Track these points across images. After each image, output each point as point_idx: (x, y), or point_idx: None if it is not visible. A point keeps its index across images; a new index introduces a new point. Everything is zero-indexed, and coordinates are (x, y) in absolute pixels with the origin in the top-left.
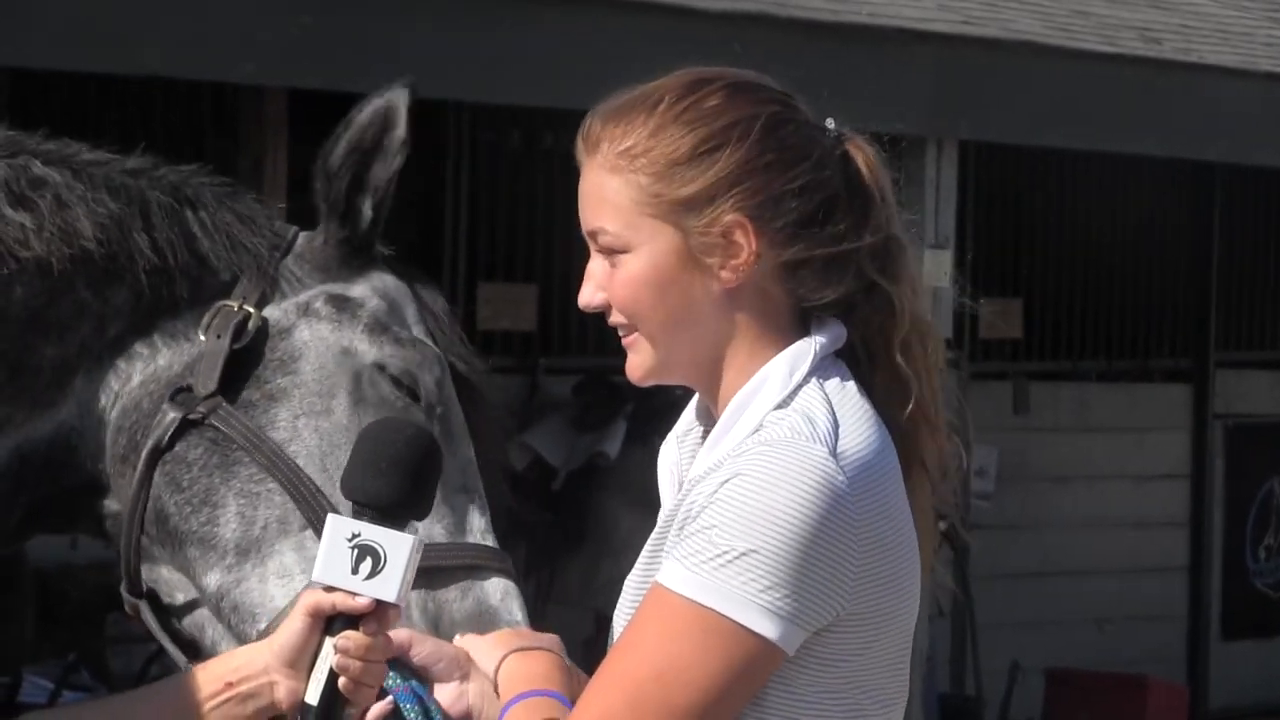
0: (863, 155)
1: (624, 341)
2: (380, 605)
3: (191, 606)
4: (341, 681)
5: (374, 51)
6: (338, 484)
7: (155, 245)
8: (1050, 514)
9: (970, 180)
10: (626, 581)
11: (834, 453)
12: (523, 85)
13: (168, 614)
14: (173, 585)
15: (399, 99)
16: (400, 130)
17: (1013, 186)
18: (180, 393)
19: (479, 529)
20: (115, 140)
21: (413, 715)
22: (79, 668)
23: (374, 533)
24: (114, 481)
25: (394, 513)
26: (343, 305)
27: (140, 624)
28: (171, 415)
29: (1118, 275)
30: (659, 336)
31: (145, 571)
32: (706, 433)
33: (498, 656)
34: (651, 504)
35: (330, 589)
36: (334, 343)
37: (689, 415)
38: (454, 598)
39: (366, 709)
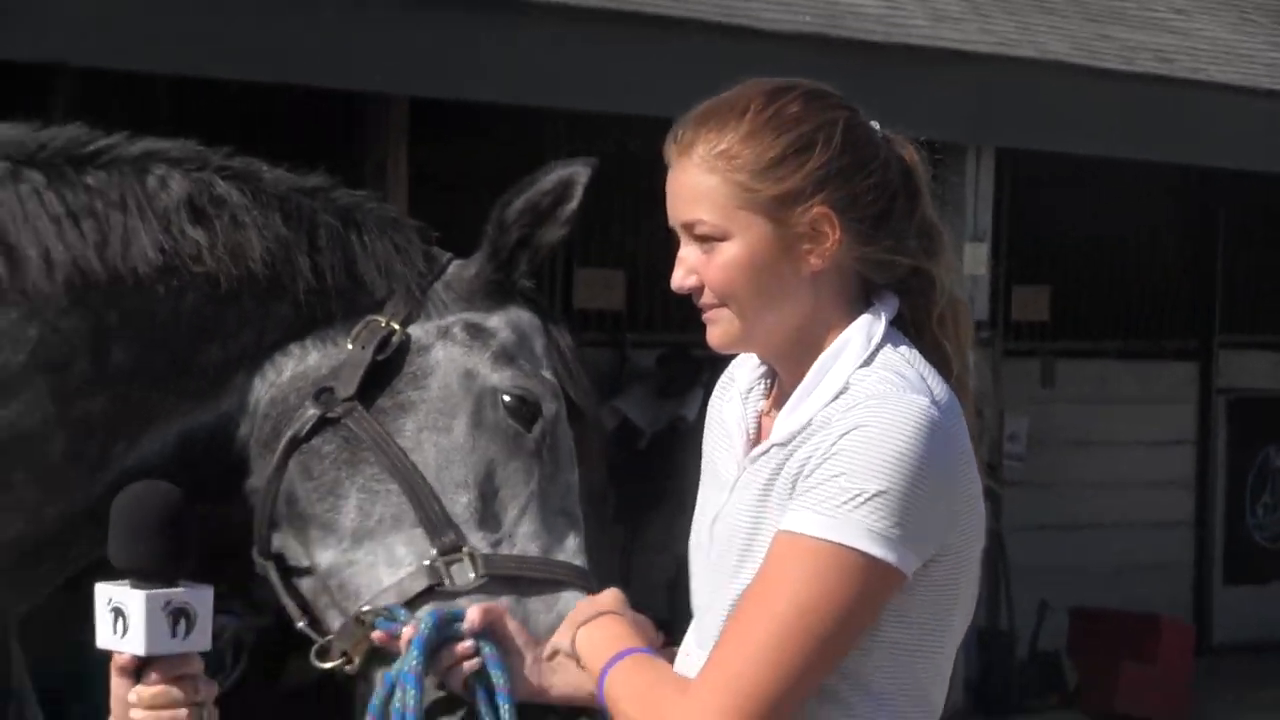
0: (909, 154)
1: (707, 316)
2: (182, 656)
3: (308, 573)
4: None
5: (489, 62)
6: (446, 499)
7: (317, 269)
8: (1073, 474)
9: (1005, 182)
10: (703, 518)
11: (933, 400)
12: (613, 96)
13: (290, 575)
14: (296, 554)
15: (580, 175)
16: (574, 204)
17: (1042, 188)
18: (323, 392)
19: (571, 549)
20: (235, 143)
21: (497, 676)
22: (228, 595)
23: (124, 595)
24: (254, 462)
25: (169, 572)
26: (477, 333)
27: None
28: (312, 411)
29: (1133, 266)
30: (749, 313)
31: (274, 540)
32: (768, 392)
33: (570, 632)
34: None
35: (145, 660)
36: (462, 366)
37: (747, 376)
38: (540, 609)
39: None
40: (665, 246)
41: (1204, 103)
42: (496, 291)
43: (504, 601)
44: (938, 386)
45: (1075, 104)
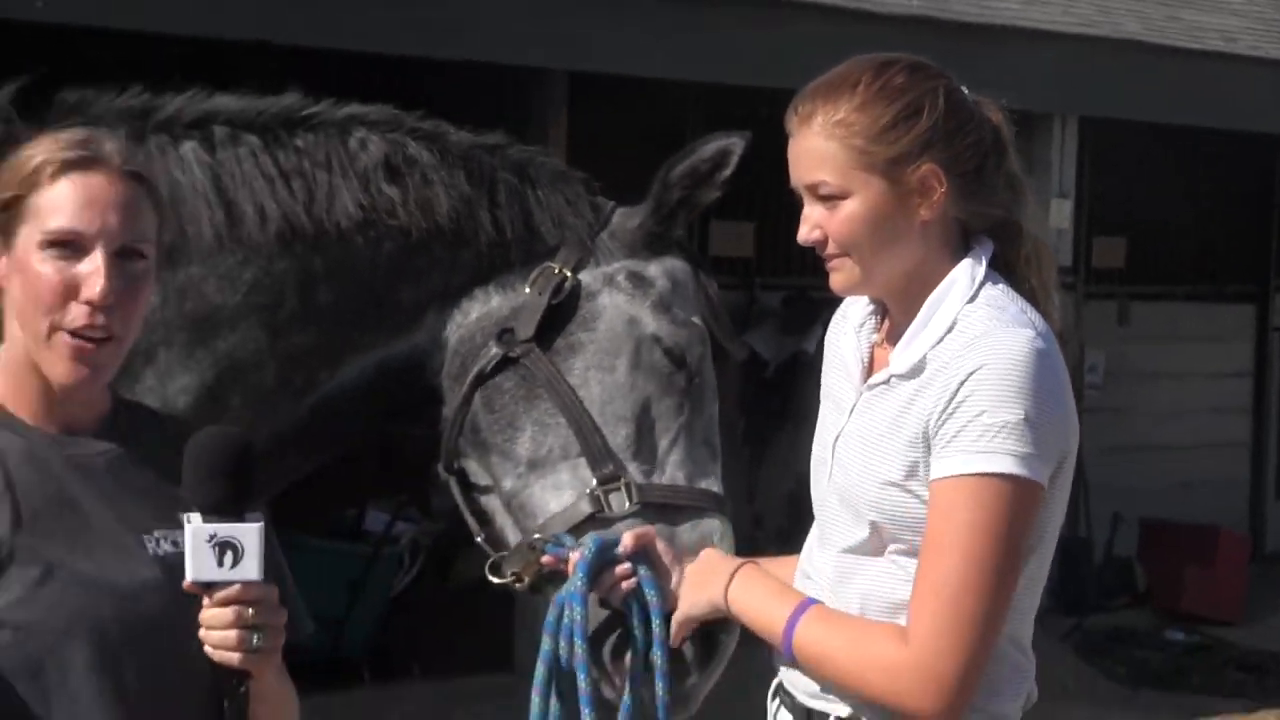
0: (996, 115)
1: (831, 265)
2: (234, 583)
3: (486, 491)
4: (210, 650)
5: (640, 40)
6: (607, 426)
7: (497, 222)
8: (1145, 402)
9: (1087, 146)
10: (825, 438)
11: (1036, 333)
12: (746, 70)
13: (471, 490)
14: (478, 475)
15: (736, 146)
16: (728, 171)
17: (1119, 151)
18: (505, 333)
19: (712, 477)
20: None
21: (650, 595)
22: (408, 504)
23: (189, 527)
24: (446, 394)
25: (234, 509)
26: (639, 282)
27: (449, 494)
28: (495, 351)
29: (1199, 220)
30: (868, 261)
31: (459, 461)
32: (879, 326)
33: (723, 578)
34: None
35: (206, 584)
36: (626, 312)
37: (859, 313)
38: (685, 530)
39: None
40: (789, 203)
41: (1263, 76)
42: (655, 242)
43: (655, 527)
44: (1036, 317)
45: (1148, 78)
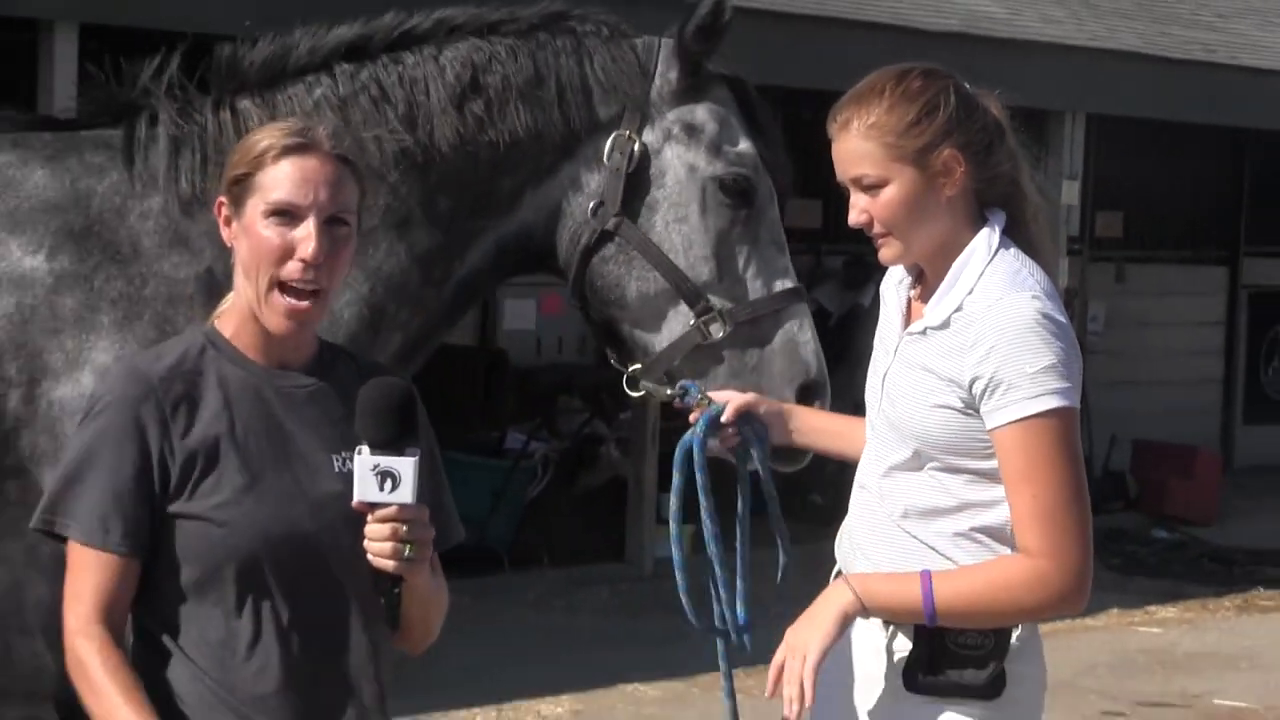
0: (995, 104)
1: (878, 242)
2: (390, 505)
3: (610, 324)
4: (370, 558)
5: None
6: (693, 274)
7: (568, 122)
8: (1136, 346)
9: (1093, 138)
10: (875, 375)
11: (1038, 292)
12: (808, 75)
13: (601, 329)
14: (603, 319)
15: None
16: (726, 17)
17: (1119, 142)
18: (600, 208)
19: (784, 271)
20: None
21: (756, 453)
22: (540, 427)
23: (357, 457)
24: (562, 257)
25: (395, 445)
26: (691, 130)
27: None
28: (593, 226)
29: (1183, 198)
30: (908, 236)
31: (589, 312)
32: (915, 284)
33: (842, 598)
34: None
35: (370, 504)
36: (686, 161)
37: (898, 273)
38: (776, 342)
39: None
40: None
41: (1237, 81)
42: (695, 87)
43: (752, 357)
44: (1038, 275)
45: (1144, 82)
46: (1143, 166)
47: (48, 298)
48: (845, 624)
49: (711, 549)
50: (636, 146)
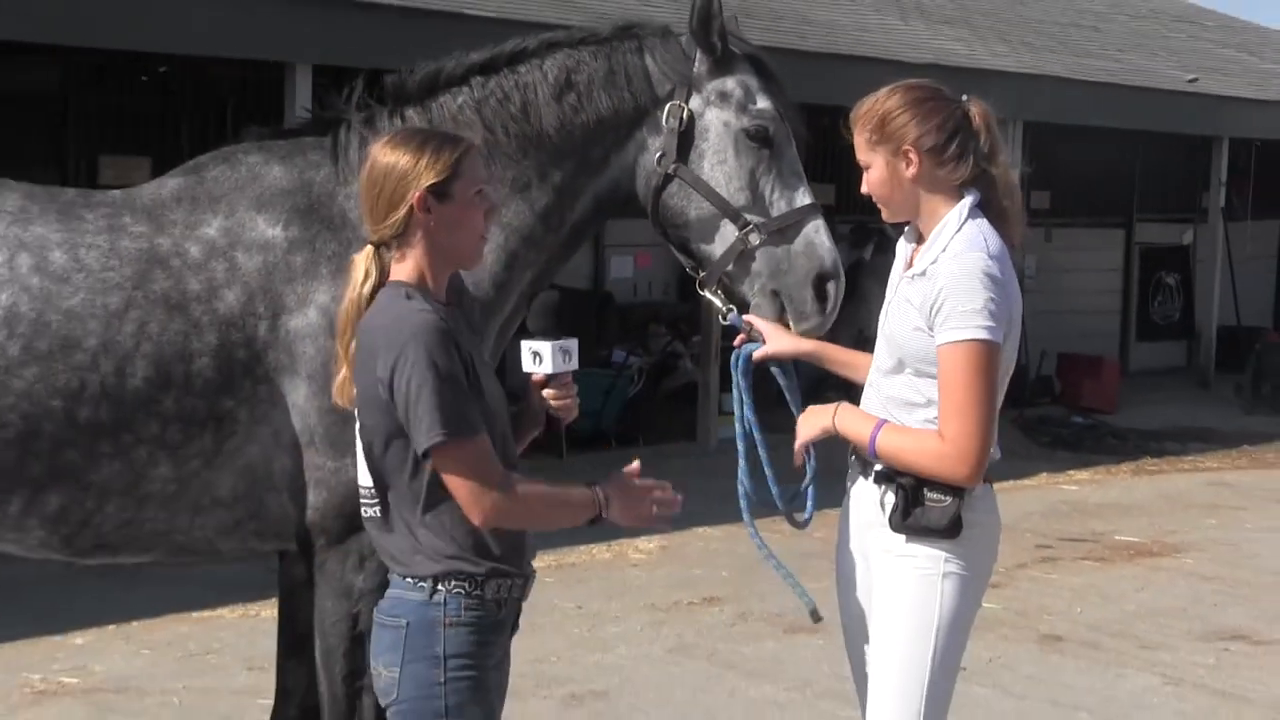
0: (977, 108)
1: (880, 205)
2: (566, 372)
3: (686, 247)
4: (550, 409)
5: None
6: (733, 200)
7: (636, 101)
8: (1058, 286)
9: (1028, 137)
10: (883, 310)
11: (988, 252)
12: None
13: (677, 245)
14: (680, 242)
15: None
16: (716, 7)
17: (1046, 138)
18: (662, 158)
19: (803, 192)
20: None
21: (783, 382)
22: (636, 350)
23: (544, 345)
24: (642, 201)
25: (549, 335)
26: (724, 97)
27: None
28: (659, 171)
29: (1091, 179)
30: (888, 202)
31: (668, 235)
32: (917, 241)
33: (829, 415)
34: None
35: (552, 375)
36: (721, 120)
37: (910, 232)
38: (797, 244)
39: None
40: (853, 170)
41: (1130, 97)
42: (722, 65)
43: (781, 257)
44: (994, 241)
45: (1066, 98)
46: (1064, 158)
47: (284, 256)
48: (826, 431)
49: (740, 433)
50: (685, 112)
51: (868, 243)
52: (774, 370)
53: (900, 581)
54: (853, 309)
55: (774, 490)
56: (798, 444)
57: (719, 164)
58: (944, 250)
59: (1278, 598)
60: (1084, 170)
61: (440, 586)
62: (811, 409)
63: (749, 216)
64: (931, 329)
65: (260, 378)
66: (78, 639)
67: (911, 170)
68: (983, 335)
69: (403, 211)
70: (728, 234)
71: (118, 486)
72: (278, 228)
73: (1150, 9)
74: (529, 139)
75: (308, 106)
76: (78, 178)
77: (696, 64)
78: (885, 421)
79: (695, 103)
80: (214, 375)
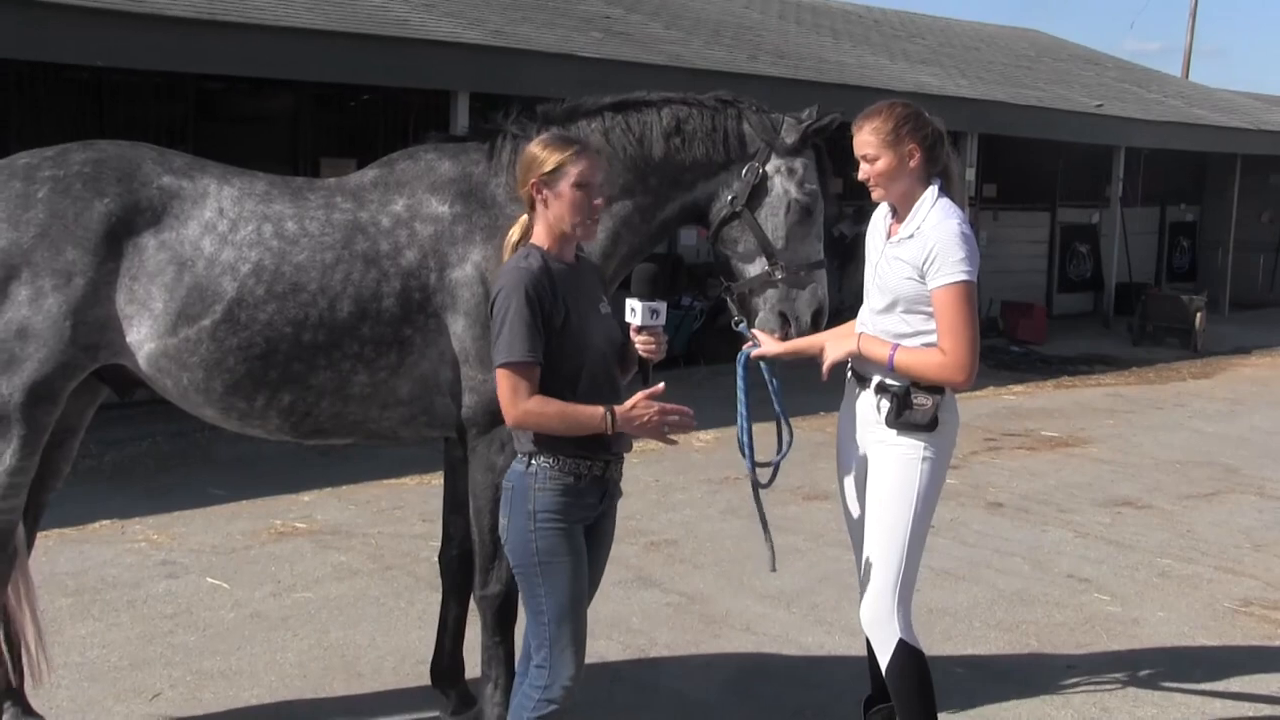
0: (939, 121)
1: (872, 190)
2: (642, 327)
3: (728, 262)
4: (640, 356)
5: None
6: (773, 243)
7: (728, 149)
8: (1004, 252)
9: (982, 144)
10: (870, 268)
11: (961, 220)
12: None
13: (724, 261)
14: (728, 261)
15: (839, 117)
16: (834, 125)
17: (996, 144)
18: (733, 199)
19: (818, 250)
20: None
21: (768, 376)
22: (698, 296)
23: (637, 304)
24: (712, 224)
25: (646, 297)
26: (790, 172)
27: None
28: (730, 209)
29: (1028, 174)
30: (887, 187)
31: (720, 255)
32: (894, 215)
33: (853, 341)
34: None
35: (643, 327)
36: (783, 187)
37: (885, 209)
38: (804, 282)
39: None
40: (854, 165)
41: (1054, 117)
42: (799, 148)
43: (792, 291)
44: (961, 212)
45: (1010, 116)
46: (1006, 161)
47: (449, 227)
48: (851, 353)
49: (742, 409)
50: (760, 172)
51: (865, 221)
52: (763, 366)
53: (890, 463)
54: (855, 269)
55: (747, 458)
56: (827, 364)
57: (771, 216)
58: (925, 219)
59: (1155, 476)
60: (1021, 170)
61: (533, 461)
62: (835, 338)
63: (779, 258)
64: (923, 277)
65: (430, 313)
66: (305, 497)
67: (913, 163)
68: (966, 277)
69: (525, 190)
70: (760, 264)
71: (330, 389)
72: (445, 205)
73: (1068, 54)
74: (639, 160)
75: (466, 123)
76: (304, 173)
77: (779, 138)
78: (899, 345)
79: (769, 167)
80: (398, 310)
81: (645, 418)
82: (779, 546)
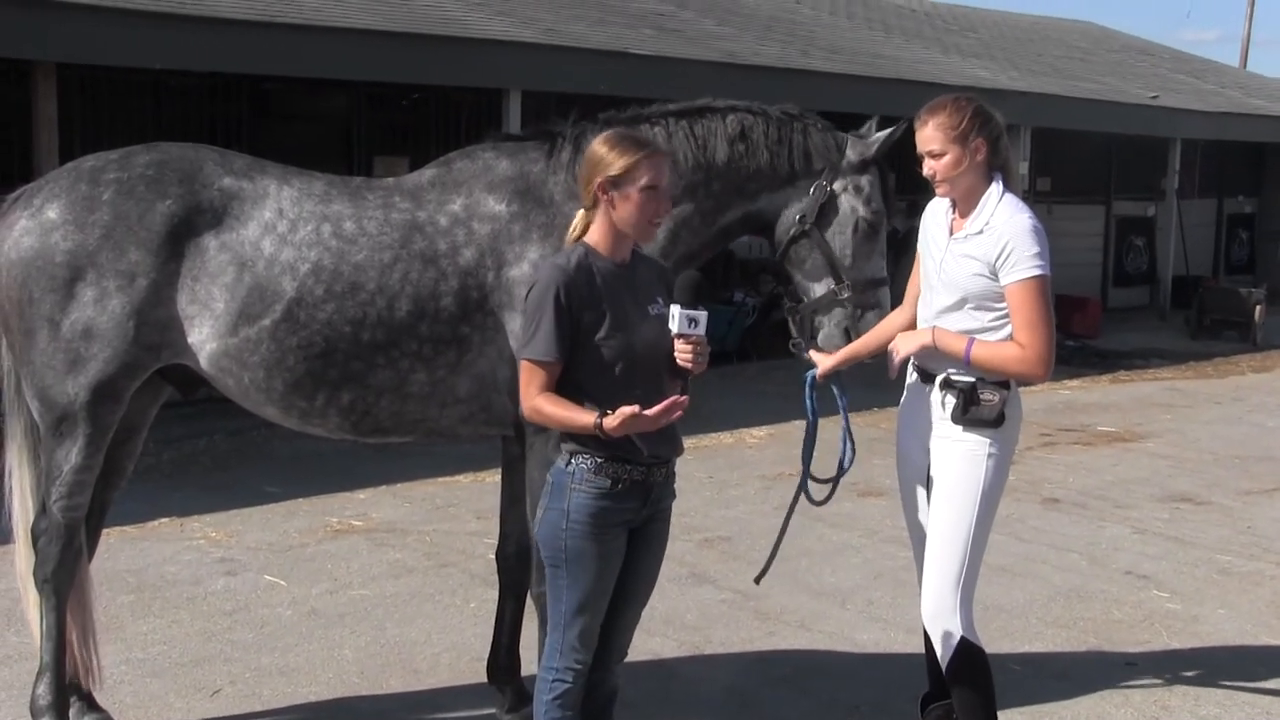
0: (1000, 116)
1: (937, 185)
2: (679, 334)
3: (790, 280)
4: (679, 365)
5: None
6: (840, 262)
7: (793, 162)
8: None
9: (1035, 138)
10: (931, 262)
11: (1030, 214)
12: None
13: (785, 277)
14: (792, 277)
15: (902, 127)
16: (897, 135)
17: (1049, 138)
18: (802, 217)
19: (881, 268)
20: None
21: (839, 398)
22: (751, 292)
23: (675, 310)
24: (777, 238)
25: (687, 305)
26: (857, 189)
27: (769, 286)
28: (799, 226)
29: (1083, 167)
30: (954, 182)
31: (787, 270)
32: (953, 211)
33: (927, 334)
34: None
35: (681, 335)
36: (850, 205)
37: (943, 205)
38: (869, 301)
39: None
40: (911, 160)
41: (1109, 109)
42: (866, 166)
43: (857, 311)
44: (1029, 207)
45: (1060, 110)
46: (1061, 155)
47: (507, 226)
48: (924, 346)
49: (810, 423)
50: (827, 190)
51: (916, 216)
52: (833, 386)
53: (955, 460)
54: (908, 261)
55: (806, 477)
56: (898, 357)
57: (839, 234)
58: (994, 215)
59: (1214, 471)
60: (1076, 163)
61: (573, 460)
62: (908, 333)
63: (845, 277)
64: (994, 273)
65: (488, 311)
66: (361, 494)
67: (979, 158)
68: (1041, 271)
69: (591, 189)
70: (826, 284)
71: (389, 387)
72: (503, 204)
73: (1121, 45)
74: (702, 164)
75: (519, 121)
76: (360, 172)
77: (846, 157)
78: (975, 339)
79: (836, 185)
80: (456, 309)
81: (648, 419)
82: (835, 543)
